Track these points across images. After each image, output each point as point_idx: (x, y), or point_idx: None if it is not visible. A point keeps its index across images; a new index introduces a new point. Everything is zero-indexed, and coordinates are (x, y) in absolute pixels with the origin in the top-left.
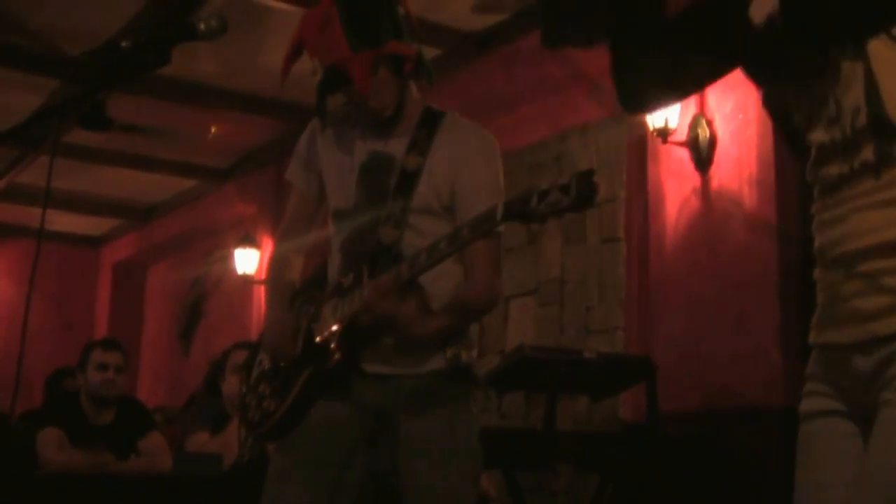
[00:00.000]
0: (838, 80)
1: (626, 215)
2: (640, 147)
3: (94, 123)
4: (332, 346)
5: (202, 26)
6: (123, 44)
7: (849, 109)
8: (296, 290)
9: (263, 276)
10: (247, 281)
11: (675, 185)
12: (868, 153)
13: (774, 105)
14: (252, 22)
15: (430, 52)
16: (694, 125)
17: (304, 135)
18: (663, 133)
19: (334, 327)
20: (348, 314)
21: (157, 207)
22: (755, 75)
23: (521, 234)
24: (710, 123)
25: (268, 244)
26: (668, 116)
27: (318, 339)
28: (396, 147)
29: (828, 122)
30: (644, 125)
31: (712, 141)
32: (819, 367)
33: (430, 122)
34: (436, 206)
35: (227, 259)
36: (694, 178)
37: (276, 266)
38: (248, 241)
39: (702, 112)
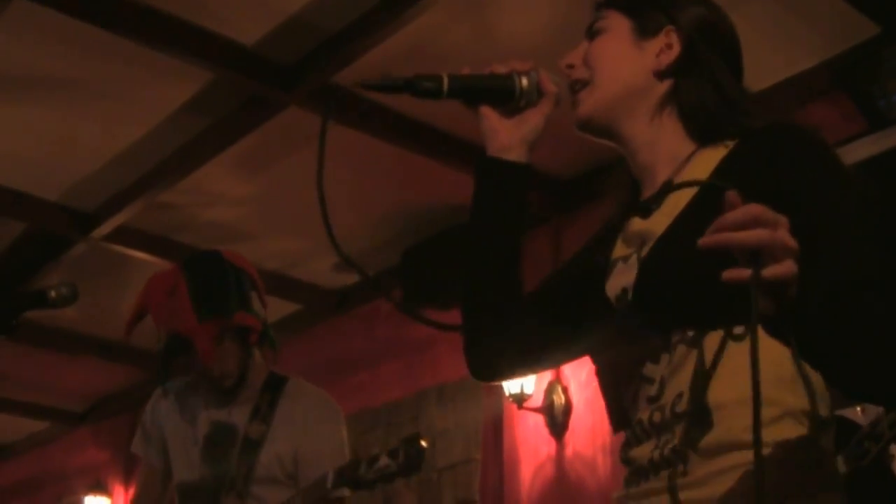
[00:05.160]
0: (669, 363)
1: (482, 478)
2: (496, 411)
3: None
4: None
5: (53, 294)
6: None
7: (672, 392)
8: None
9: None
10: None
11: (531, 450)
12: (679, 438)
13: (605, 380)
14: (112, 270)
15: (290, 307)
16: (549, 392)
17: (148, 405)
18: (518, 399)
19: None
20: None
21: (6, 449)
22: (593, 351)
23: (378, 497)
24: (565, 390)
25: (119, 492)
26: (524, 383)
27: None
28: (239, 416)
29: (648, 402)
30: (500, 390)
31: (567, 408)
32: None
33: (274, 387)
34: (279, 475)
35: None
36: (549, 444)
37: None
38: (100, 488)
39: (557, 379)
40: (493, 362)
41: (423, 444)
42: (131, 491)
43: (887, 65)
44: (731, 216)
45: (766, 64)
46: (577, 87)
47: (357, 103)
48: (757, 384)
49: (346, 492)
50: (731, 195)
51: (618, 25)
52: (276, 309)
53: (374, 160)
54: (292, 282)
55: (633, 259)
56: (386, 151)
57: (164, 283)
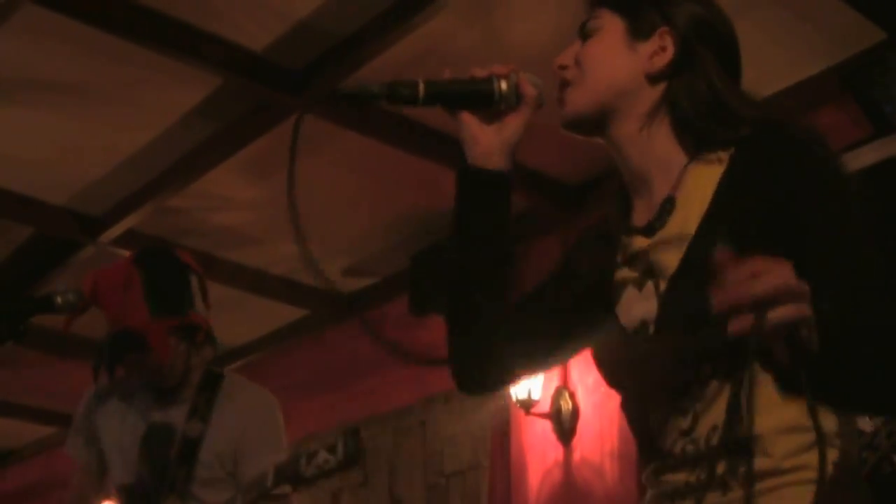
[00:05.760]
0: (702, 398)
1: (490, 484)
2: (503, 416)
3: None
4: None
5: (59, 300)
6: None
7: (706, 426)
8: None
9: None
10: None
11: (538, 456)
12: (720, 468)
13: (631, 411)
14: None
15: (297, 313)
16: (557, 397)
17: (80, 405)
18: (526, 404)
19: None
20: None
21: (13, 454)
22: (612, 381)
23: (386, 499)
24: (572, 396)
25: None
26: (531, 388)
27: None
28: (177, 415)
29: (680, 434)
30: (507, 395)
31: (575, 413)
32: None
33: (211, 385)
34: (220, 474)
35: None
36: (556, 450)
37: None
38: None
39: (565, 384)
40: (477, 377)
41: (362, 438)
42: None
43: (893, 70)
44: (734, 276)
45: (772, 69)
46: (566, 87)
47: (366, 108)
48: (748, 422)
49: (287, 489)
50: (720, 255)
51: (611, 26)
52: (284, 314)
53: (384, 164)
54: (300, 287)
55: (649, 289)
56: (395, 156)
57: (116, 277)
